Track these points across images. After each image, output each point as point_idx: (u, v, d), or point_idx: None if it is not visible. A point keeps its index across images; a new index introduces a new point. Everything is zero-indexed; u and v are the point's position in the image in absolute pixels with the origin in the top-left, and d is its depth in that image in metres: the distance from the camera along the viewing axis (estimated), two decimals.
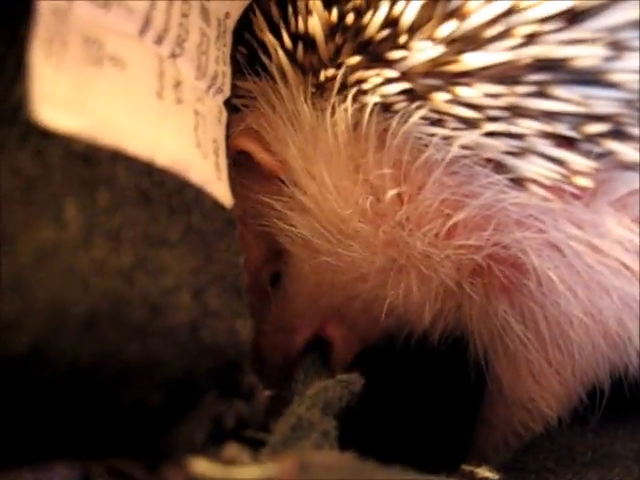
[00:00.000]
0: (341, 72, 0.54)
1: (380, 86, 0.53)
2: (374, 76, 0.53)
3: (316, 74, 0.56)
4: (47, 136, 0.40)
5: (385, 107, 0.54)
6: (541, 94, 0.51)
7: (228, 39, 0.58)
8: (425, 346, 0.64)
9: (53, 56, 0.42)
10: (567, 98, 0.51)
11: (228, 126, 0.58)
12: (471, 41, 0.51)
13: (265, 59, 0.58)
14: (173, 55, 0.51)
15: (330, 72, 0.55)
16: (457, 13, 0.51)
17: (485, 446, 0.66)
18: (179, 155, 0.47)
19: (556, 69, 0.51)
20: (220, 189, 0.52)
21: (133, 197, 0.43)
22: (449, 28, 0.51)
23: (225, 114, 0.56)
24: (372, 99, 0.53)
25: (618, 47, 0.50)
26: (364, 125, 0.54)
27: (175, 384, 0.42)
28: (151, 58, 0.48)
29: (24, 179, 0.39)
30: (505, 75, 0.51)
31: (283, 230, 0.59)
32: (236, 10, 0.58)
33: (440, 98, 0.52)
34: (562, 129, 0.51)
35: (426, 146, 0.53)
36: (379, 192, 0.55)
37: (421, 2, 0.52)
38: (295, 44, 0.56)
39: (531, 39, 0.50)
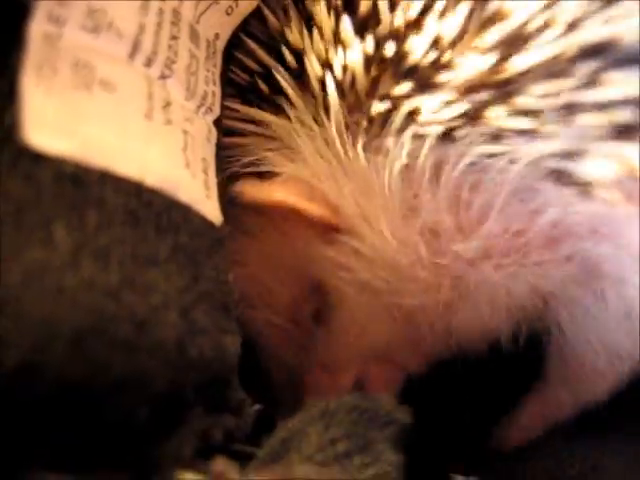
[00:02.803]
0: (390, 105, 0.51)
1: (435, 113, 0.51)
2: (427, 102, 0.50)
3: (362, 111, 0.52)
4: (38, 159, 0.42)
5: (441, 136, 0.51)
6: (593, 84, 0.49)
7: (218, 60, 0.59)
8: None
9: (43, 81, 0.43)
10: (620, 83, 0.48)
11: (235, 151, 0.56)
12: (514, 42, 0.49)
13: (293, 93, 0.54)
14: (162, 77, 0.52)
15: (380, 107, 0.51)
16: (496, 17, 0.50)
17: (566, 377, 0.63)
18: (168, 175, 0.49)
19: (603, 54, 0.49)
20: (209, 207, 0.53)
21: (122, 217, 0.44)
22: (492, 36, 0.49)
23: (215, 133, 0.57)
24: (427, 130, 0.51)
25: None
26: (421, 159, 0.51)
27: (162, 399, 0.43)
28: (140, 80, 0.50)
29: (15, 201, 0.41)
30: (554, 69, 0.49)
31: (335, 275, 0.56)
32: (225, 31, 0.59)
33: (494, 113, 0.50)
34: (620, 117, 0.49)
35: (486, 174, 0.51)
36: (438, 235, 0.53)
37: (462, 15, 0.50)
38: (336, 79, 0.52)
39: (573, 26, 0.49)
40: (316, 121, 0.53)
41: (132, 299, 0.42)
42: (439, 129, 0.50)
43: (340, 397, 0.53)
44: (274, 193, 0.54)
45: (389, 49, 0.51)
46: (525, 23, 0.49)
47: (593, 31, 0.48)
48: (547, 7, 0.49)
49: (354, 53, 0.51)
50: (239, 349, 0.51)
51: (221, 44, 0.59)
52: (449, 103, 0.50)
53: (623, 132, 0.49)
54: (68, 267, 0.41)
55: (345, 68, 0.52)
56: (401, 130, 0.51)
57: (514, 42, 0.49)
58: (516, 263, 0.53)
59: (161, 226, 0.46)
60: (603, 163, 0.49)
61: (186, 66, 0.54)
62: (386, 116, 0.51)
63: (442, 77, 0.50)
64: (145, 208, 0.46)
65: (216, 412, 0.48)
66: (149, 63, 0.50)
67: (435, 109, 0.50)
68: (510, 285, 0.54)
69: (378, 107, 0.51)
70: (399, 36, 0.51)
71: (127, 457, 0.43)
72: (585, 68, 0.48)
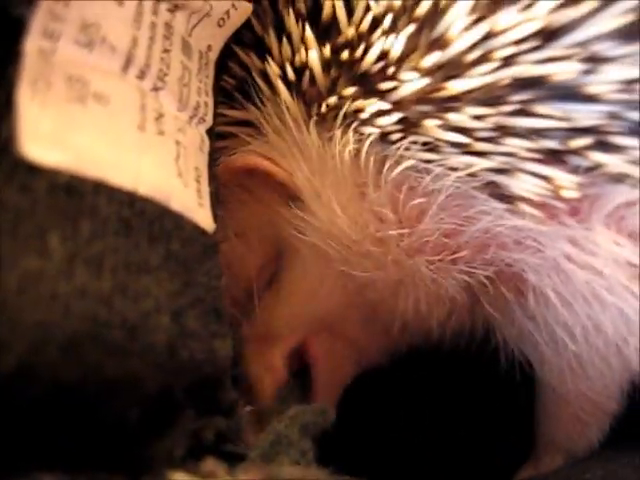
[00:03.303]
0: (339, 102, 0.56)
1: (376, 116, 0.55)
2: (369, 106, 0.55)
3: (319, 104, 0.58)
4: (33, 171, 0.43)
5: (382, 137, 0.56)
6: (524, 112, 0.53)
7: (210, 70, 0.60)
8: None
9: (38, 95, 0.45)
10: (549, 114, 0.52)
11: (220, 153, 0.60)
12: (454, 68, 0.54)
13: (266, 88, 0.60)
14: (155, 89, 0.53)
15: (331, 102, 0.57)
16: (439, 42, 0.54)
17: (555, 439, 0.67)
18: (160, 185, 0.50)
19: (535, 87, 0.52)
20: (201, 215, 0.54)
21: (115, 226, 0.46)
22: (433, 59, 0.54)
23: (207, 143, 0.59)
24: (369, 129, 0.56)
25: (593, 60, 0.52)
26: (362, 158, 0.56)
27: (153, 400, 0.45)
28: (133, 93, 0.51)
29: (11, 211, 0.42)
30: (489, 97, 0.53)
31: (294, 234, 0.61)
32: (218, 42, 0.60)
33: (431, 124, 0.54)
34: (548, 144, 0.53)
35: (423, 178, 0.55)
36: (383, 223, 0.58)
37: (407, 34, 0.55)
38: (297, 75, 0.58)
39: (509, 61, 0.53)
40: (278, 110, 0.59)
41: (124, 305, 0.44)
42: (378, 131, 0.55)
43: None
44: (241, 159, 0.60)
45: (344, 55, 0.56)
46: (464, 52, 0.53)
47: (526, 68, 0.52)
48: (485, 40, 0.53)
49: (314, 56, 0.57)
50: (231, 352, 0.52)
51: (213, 55, 0.60)
52: (388, 112, 0.55)
53: (551, 157, 0.53)
54: (62, 275, 0.42)
55: (306, 67, 0.58)
56: (347, 125, 0.56)
57: (453, 68, 0.53)
58: (446, 261, 0.57)
59: (153, 234, 0.48)
60: (531, 182, 0.53)
61: (178, 78, 0.55)
62: (336, 111, 0.56)
63: (385, 86, 0.55)
64: (138, 217, 0.47)
65: (207, 413, 0.50)
66: (142, 76, 0.52)
67: (374, 114, 0.55)
68: (440, 279, 0.58)
69: (329, 102, 0.57)
70: (352, 45, 0.56)
71: (120, 457, 0.44)
72: (517, 98, 0.52)
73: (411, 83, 0.54)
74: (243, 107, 0.61)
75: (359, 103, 0.56)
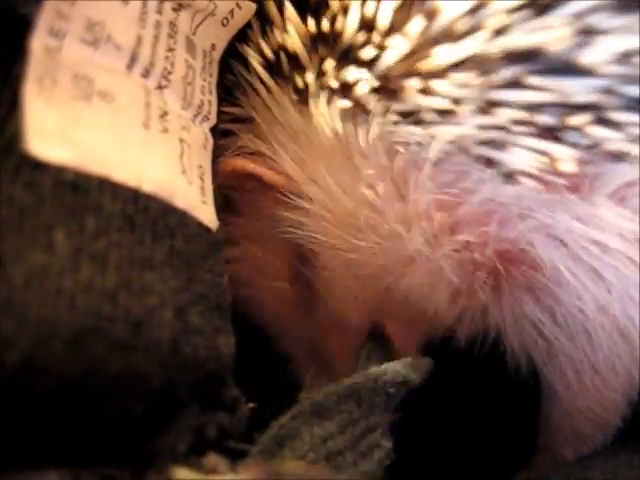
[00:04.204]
0: (320, 77, 0.55)
1: (352, 87, 0.54)
2: (344, 75, 0.54)
3: (301, 83, 0.57)
4: (38, 167, 0.44)
5: (360, 107, 0.54)
6: (516, 84, 0.50)
7: (214, 69, 0.61)
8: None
9: (44, 92, 0.45)
10: (543, 87, 0.50)
11: (221, 150, 0.60)
12: (443, 38, 0.52)
13: (250, 76, 0.60)
14: (160, 87, 0.54)
15: (309, 78, 0.56)
16: (427, 12, 0.52)
17: (552, 447, 0.66)
18: (164, 182, 0.51)
19: (528, 59, 0.50)
20: (205, 212, 0.55)
21: (119, 223, 0.46)
22: (419, 24, 0.51)
23: (211, 141, 0.59)
24: (344, 102, 0.54)
25: (587, 32, 0.50)
26: (342, 129, 0.55)
27: (157, 396, 0.45)
28: (138, 91, 0.52)
29: (17, 208, 0.43)
30: (478, 69, 0.51)
31: (303, 237, 0.60)
32: (222, 41, 0.61)
33: (413, 87, 0.52)
34: (543, 119, 0.51)
35: (408, 145, 0.53)
36: (375, 189, 0.56)
37: (395, 3, 0.52)
38: (277, 56, 0.58)
39: (500, 31, 0.51)
40: (265, 96, 0.58)
41: (128, 301, 0.44)
42: (359, 102, 0.54)
43: (338, 384, 0.54)
44: (234, 163, 0.60)
45: (325, 27, 0.55)
46: (454, 22, 0.51)
47: (519, 38, 0.50)
48: (476, 10, 0.51)
49: (292, 32, 0.56)
50: (234, 349, 0.53)
51: (217, 54, 0.61)
52: (363, 80, 0.53)
53: (547, 132, 0.51)
54: (67, 270, 0.43)
55: (284, 47, 0.57)
56: (329, 100, 0.55)
57: (442, 37, 0.51)
58: (441, 236, 0.55)
59: (157, 231, 0.48)
60: (526, 156, 0.51)
61: (183, 76, 0.55)
62: (316, 86, 0.55)
63: (366, 53, 0.53)
64: (142, 214, 0.48)
65: (210, 410, 0.50)
66: (146, 74, 0.52)
67: (351, 83, 0.53)
68: (433, 256, 0.56)
69: (308, 77, 0.56)
70: (335, 17, 0.54)
71: (123, 452, 0.45)
72: (509, 71, 0.50)
73: (395, 49, 0.52)
74: (238, 103, 0.61)
75: (333, 74, 0.54)
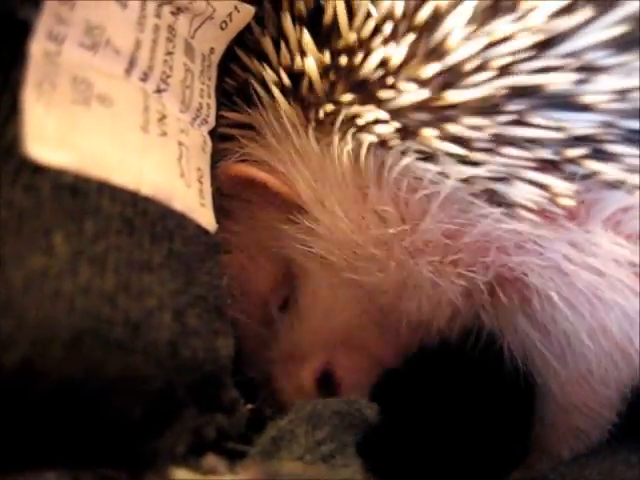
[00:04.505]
0: (337, 108, 0.57)
1: (373, 124, 0.56)
2: (367, 114, 0.56)
3: (317, 110, 0.58)
4: (38, 171, 0.44)
5: (381, 144, 0.56)
6: (520, 122, 0.53)
7: (213, 73, 0.61)
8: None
9: (43, 96, 0.45)
10: (544, 124, 0.53)
11: (220, 154, 0.61)
12: (452, 77, 0.54)
13: (264, 93, 0.60)
14: (158, 90, 0.54)
15: (329, 108, 0.57)
16: (438, 51, 0.54)
17: (547, 446, 0.67)
18: (163, 185, 0.51)
19: (531, 96, 0.53)
20: (204, 215, 0.55)
21: (118, 225, 0.46)
22: (432, 70, 0.54)
23: (210, 144, 0.60)
24: (367, 137, 0.56)
25: (587, 70, 0.52)
26: (362, 161, 0.57)
27: (155, 397, 0.46)
28: (137, 95, 0.52)
29: (16, 211, 0.43)
30: (486, 106, 0.54)
31: (299, 251, 0.61)
32: (220, 45, 0.61)
33: (429, 134, 0.54)
34: (544, 154, 0.53)
35: (422, 181, 0.56)
36: (385, 222, 0.58)
37: (408, 42, 0.55)
38: (294, 80, 0.59)
39: (505, 70, 0.53)
40: (277, 115, 0.59)
41: (127, 303, 0.45)
42: (376, 139, 0.56)
43: (326, 399, 0.56)
44: (237, 167, 0.60)
45: (342, 61, 0.56)
46: (463, 62, 0.53)
47: (522, 77, 0.52)
48: (483, 50, 0.53)
49: (311, 62, 0.57)
50: (232, 350, 0.53)
51: (216, 57, 0.61)
52: (385, 120, 0.55)
53: (547, 165, 0.54)
54: (66, 273, 0.43)
55: (303, 73, 0.58)
56: (345, 131, 0.57)
57: (451, 77, 0.54)
58: (447, 263, 0.58)
59: (156, 233, 0.49)
60: (528, 190, 0.54)
61: (181, 80, 0.56)
62: (334, 117, 0.57)
63: (384, 94, 0.55)
64: (140, 217, 0.48)
65: (209, 411, 0.50)
66: (145, 78, 0.52)
67: (372, 121, 0.56)
68: (441, 282, 0.59)
69: (328, 107, 0.57)
70: (352, 51, 0.56)
71: (122, 453, 0.45)
72: (513, 107, 0.53)
73: (410, 94, 0.54)
74: (244, 110, 0.62)
75: (356, 109, 0.56)
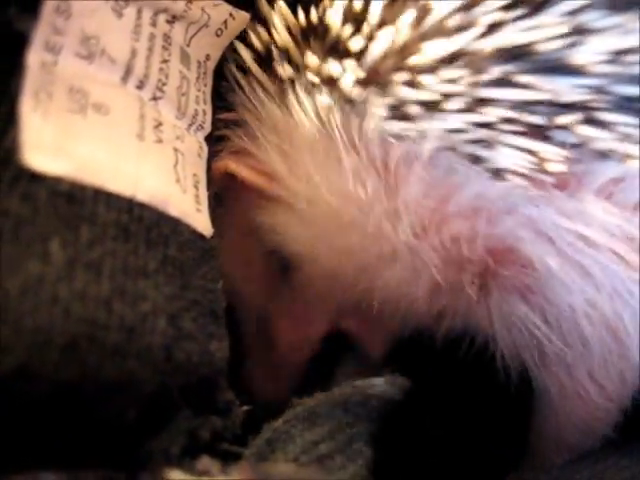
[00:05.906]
0: (306, 69, 0.55)
1: (337, 80, 0.53)
2: (334, 68, 0.53)
3: (291, 78, 0.56)
4: (35, 179, 0.45)
5: (349, 101, 0.53)
6: (506, 82, 0.50)
7: (209, 79, 0.62)
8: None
9: (40, 106, 0.46)
10: (534, 85, 0.50)
11: (215, 155, 0.61)
12: (434, 33, 0.51)
13: (238, 72, 0.60)
14: (154, 98, 0.55)
15: (288, 71, 0.55)
16: (420, 8, 0.51)
17: (541, 455, 0.66)
18: (158, 191, 0.52)
19: (520, 57, 0.50)
20: (199, 220, 0.56)
21: (113, 232, 0.47)
22: (410, 18, 0.51)
23: (206, 149, 0.60)
24: (336, 95, 0.54)
25: (580, 31, 0.50)
26: (331, 122, 0.54)
27: (150, 400, 0.47)
28: (133, 103, 0.53)
29: (13, 219, 0.44)
30: (468, 65, 0.51)
31: (281, 241, 0.61)
32: (216, 52, 0.62)
33: (400, 80, 0.51)
34: (532, 119, 0.50)
35: (400, 141, 0.53)
36: (363, 184, 0.55)
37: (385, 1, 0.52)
38: (269, 51, 0.57)
39: (493, 28, 0.50)
40: (254, 93, 0.58)
41: (122, 308, 0.46)
42: (344, 95, 0.53)
43: (328, 393, 0.56)
44: (223, 165, 0.60)
45: (314, 19, 0.54)
46: (445, 18, 0.51)
47: (511, 36, 0.50)
48: (469, 8, 0.50)
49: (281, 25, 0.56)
50: (227, 353, 0.54)
51: (212, 64, 0.62)
52: (353, 71, 0.52)
53: (535, 131, 0.51)
54: (62, 279, 0.44)
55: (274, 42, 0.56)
56: (310, 92, 0.55)
57: (432, 32, 0.51)
58: (433, 236, 0.55)
59: (151, 239, 0.49)
60: (514, 155, 0.51)
61: (177, 87, 0.57)
62: (302, 79, 0.55)
63: (355, 44, 0.52)
64: (136, 223, 0.49)
65: (204, 413, 0.51)
66: (141, 86, 0.53)
67: (338, 75, 0.53)
68: (425, 256, 0.56)
69: (288, 71, 0.55)
70: (325, 11, 0.54)
71: (117, 456, 0.46)
72: (499, 68, 0.50)
73: (384, 41, 0.51)
74: (231, 108, 0.61)
75: (323, 68, 0.54)
